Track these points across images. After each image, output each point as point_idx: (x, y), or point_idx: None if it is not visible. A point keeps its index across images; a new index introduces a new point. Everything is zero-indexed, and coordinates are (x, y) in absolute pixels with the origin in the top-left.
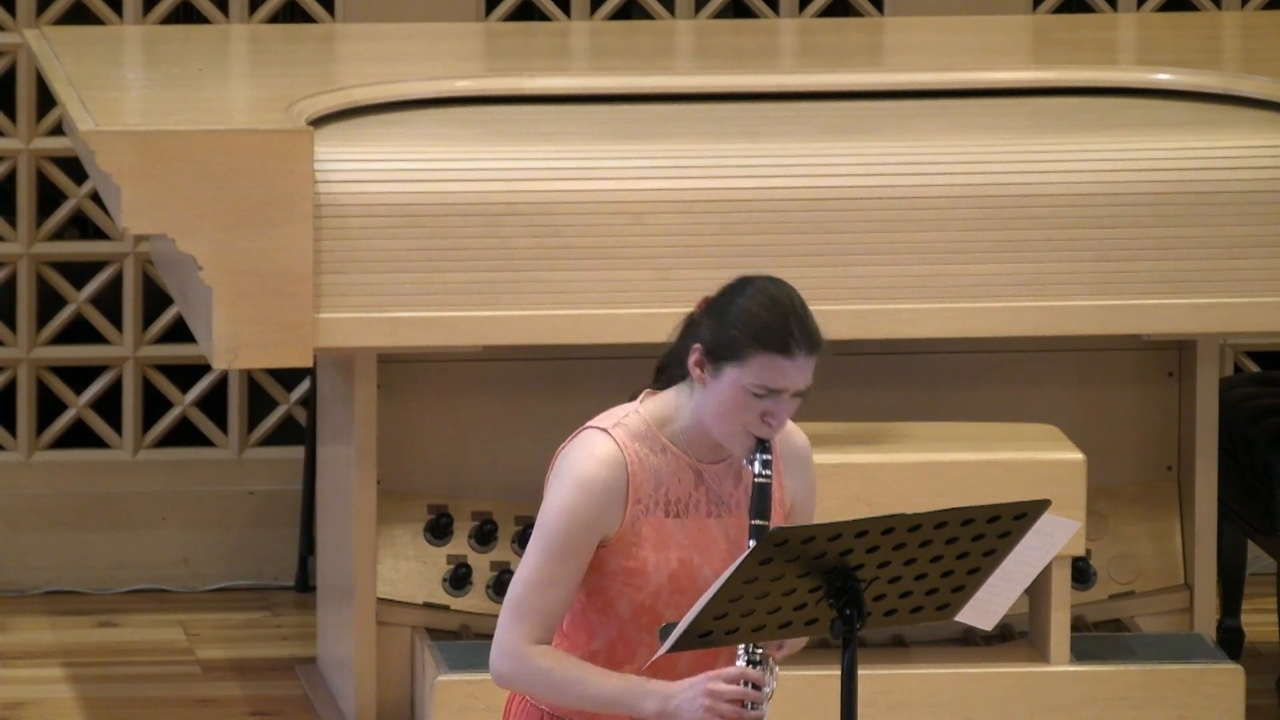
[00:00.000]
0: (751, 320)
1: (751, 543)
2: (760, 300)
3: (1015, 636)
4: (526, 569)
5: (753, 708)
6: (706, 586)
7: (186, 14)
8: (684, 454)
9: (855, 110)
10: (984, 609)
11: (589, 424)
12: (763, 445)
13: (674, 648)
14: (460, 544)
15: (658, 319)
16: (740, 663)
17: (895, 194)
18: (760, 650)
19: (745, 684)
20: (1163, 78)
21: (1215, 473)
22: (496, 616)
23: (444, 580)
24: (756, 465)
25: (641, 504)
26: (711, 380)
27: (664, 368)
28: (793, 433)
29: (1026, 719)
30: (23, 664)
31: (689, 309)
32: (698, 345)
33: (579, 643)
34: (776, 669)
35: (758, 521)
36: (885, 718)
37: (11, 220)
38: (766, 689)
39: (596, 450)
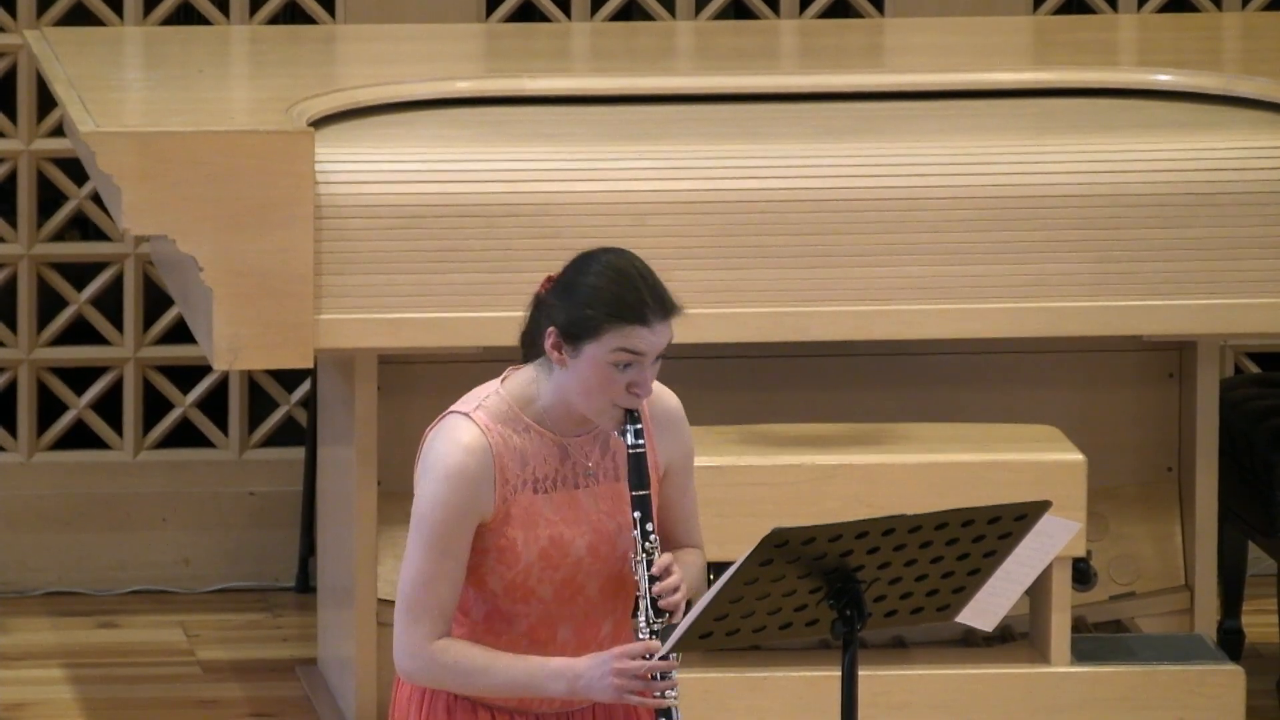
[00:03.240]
0: (602, 296)
1: (636, 514)
2: (608, 275)
3: (1016, 637)
4: (412, 567)
5: (663, 678)
6: (579, 558)
7: (187, 15)
8: (548, 431)
9: (856, 111)
10: (984, 610)
11: (451, 408)
12: (631, 415)
13: (674, 649)
14: None
15: None
16: (643, 635)
17: (896, 195)
18: (661, 621)
19: (650, 657)
20: (1163, 79)
21: (1215, 474)
22: None
23: None
24: (629, 437)
25: (510, 485)
26: (572, 360)
27: (525, 344)
28: (662, 394)
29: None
30: (24, 665)
31: (687, 310)
32: (552, 329)
33: (458, 619)
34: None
35: (639, 492)
36: (886, 718)
37: (12, 221)
38: (675, 659)
39: (461, 437)
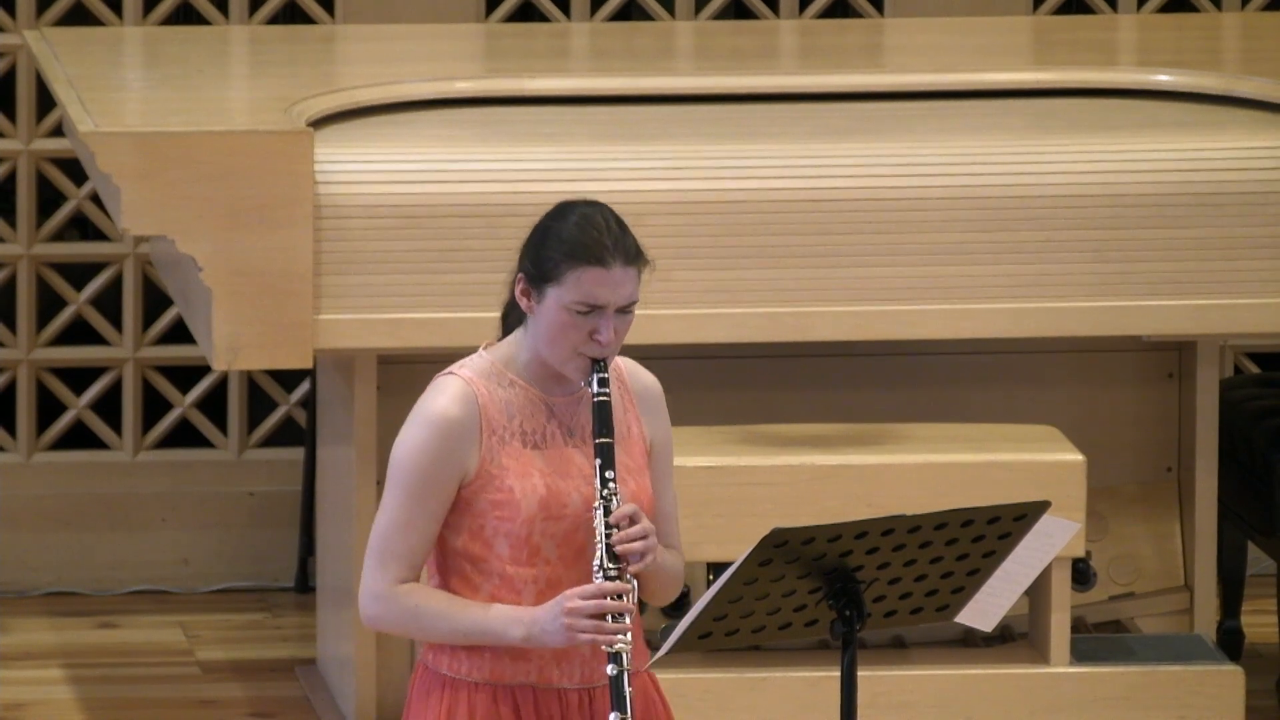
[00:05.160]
0: (565, 239)
1: (598, 461)
2: (573, 220)
3: (1015, 637)
4: (387, 513)
5: (614, 620)
6: (575, 512)
7: (186, 15)
8: (531, 387)
9: (855, 111)
10: (984, 610)
11: (436, 375)
12: (597, 365)
13: (674, 648)
14: None
15: (658, 320)
16: (597, 579)
17: (895, 195)
18: (616, 566)
19: (605, 598)
20: (1162, 79)
21: (1215, 474)
22: None
23: None
24: (594, 385)
25: (497, 435)
26: (538, 307)
27: (504, 317)
28: (641, 373)
29: (1026, 719)
30: (23, 665)
31: (687, 310)
32: (520, 275)
33: (465, 595)
34: (634, 580)
35: (601, 440)
36: (885, 718)
37: (11, 221)
38: (627, 601)
39: (447, 389)
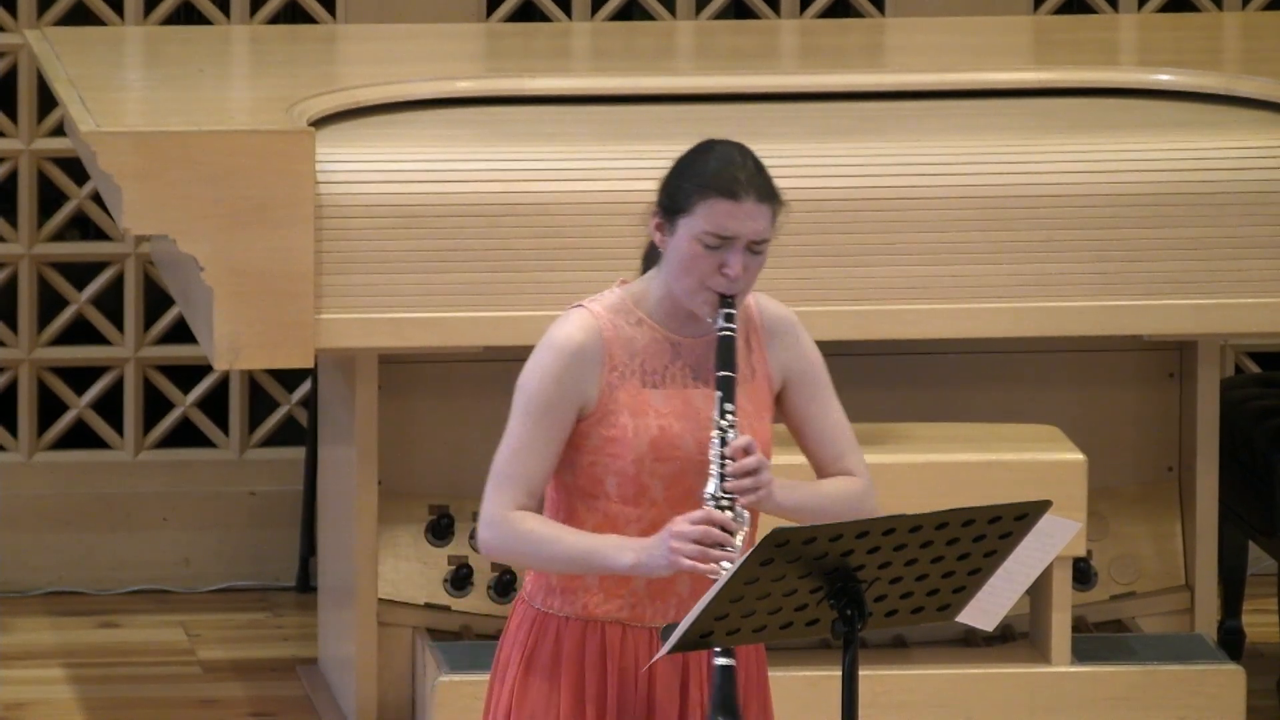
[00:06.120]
0: (699, 171)
1: (718, 394)
2: (710, 154)
3: (1016, 637)
4: (508, 439)
5: (720, 549)
6: (686, 454)
7: (187, 15)
8: (659, 326)
9: (856, 111)
10: (985, 609)
11: (570, 306)
12: (725, 301)
13: (675, 648)
14: (461, 544)
15: None
16: (708, 507)
17: (896, 195)
18: (729, 497)
19: (713, 527)
20: (1163, 78)
21: (1216, 473)
22: (498, 617)
23: (445, 581)
24: (720, 320)
25: (617, 371)
26: (669, 240)
27: (645, 259)
28: (774, 305)
29: (1027, 719)
30: (24, 665)
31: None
32: (656, 208)
33: None
34: (745, 514)
35: (722, 373)
36: (886, 718)
37: (13, 221)
38: (736, 534)
39: (573, 319)
